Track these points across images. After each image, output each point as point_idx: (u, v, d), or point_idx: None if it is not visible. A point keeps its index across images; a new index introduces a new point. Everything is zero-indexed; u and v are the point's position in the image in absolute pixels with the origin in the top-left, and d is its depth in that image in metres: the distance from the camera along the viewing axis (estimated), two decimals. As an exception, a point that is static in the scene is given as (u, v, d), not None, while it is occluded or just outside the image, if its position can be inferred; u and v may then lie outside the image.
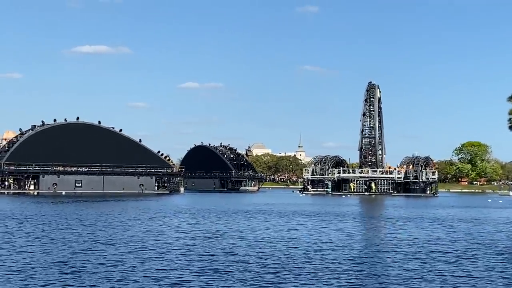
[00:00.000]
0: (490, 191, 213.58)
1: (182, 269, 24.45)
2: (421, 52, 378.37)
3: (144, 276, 22.67)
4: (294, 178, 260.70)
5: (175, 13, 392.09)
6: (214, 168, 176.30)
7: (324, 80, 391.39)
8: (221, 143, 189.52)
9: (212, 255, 28.47)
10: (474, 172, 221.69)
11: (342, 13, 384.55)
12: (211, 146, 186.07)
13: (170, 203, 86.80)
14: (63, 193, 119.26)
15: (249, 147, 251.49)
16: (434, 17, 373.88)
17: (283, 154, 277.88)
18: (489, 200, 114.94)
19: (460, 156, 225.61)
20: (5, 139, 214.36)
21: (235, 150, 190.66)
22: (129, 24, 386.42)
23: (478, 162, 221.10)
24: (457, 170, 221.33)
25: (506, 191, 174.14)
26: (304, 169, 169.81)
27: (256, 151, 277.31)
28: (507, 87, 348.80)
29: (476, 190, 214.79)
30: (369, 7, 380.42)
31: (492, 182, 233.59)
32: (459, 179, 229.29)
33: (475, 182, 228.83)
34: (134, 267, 24.78)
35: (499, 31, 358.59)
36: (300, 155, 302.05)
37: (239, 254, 28.98)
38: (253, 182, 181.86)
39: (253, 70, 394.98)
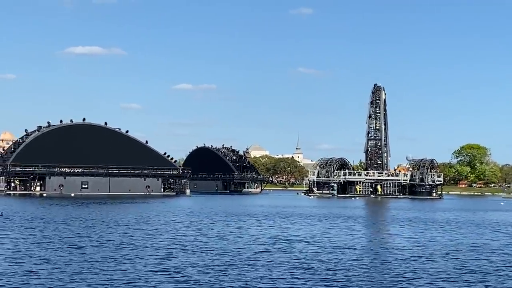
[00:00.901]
0: (489, 193, 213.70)
1: (301, 280, 23.58)
2: (417, 54, 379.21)
3: None
4: (292, 180, 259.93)
5: (169, 15, 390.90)
6: (216, 170, 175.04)
7: (318, 82, 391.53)
8: (223, 145, 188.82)
9: (307, 263, 27.46)
10: (473, 175, 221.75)
11: (336, 15, 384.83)
12: (213, 148, 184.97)
13: (187, 205, 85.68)
14: (72, 194, 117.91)
15: (247, 148, 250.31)
16: (429, 18, 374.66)
17: (280, 156, 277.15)
18: (502, 203, 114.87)
19: (459, 158, 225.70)
20: (2, 140, 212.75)
21: (237, 151, 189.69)
22: (123, 25, 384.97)
23: (477, 164, 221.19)
24: (456, 173, 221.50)
25: (508, 194, 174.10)
26: (309, 171, 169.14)
27: (254, 153, 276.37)
28: (506, 90, 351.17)
29: (475, 193, 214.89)
30: (363, 9, 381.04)
31: (490, 185, 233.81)
32: (458, 182, 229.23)
33: (474, 185, 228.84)
34: (242, 275, 23.82)
35: (500, 34, 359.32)
36: (298, 157, 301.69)
37: (337, 262, 28.00)
38: (256, 184, 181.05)
39: (247, 72, 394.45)
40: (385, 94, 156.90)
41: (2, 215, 52.82)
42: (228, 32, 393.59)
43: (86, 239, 36.32)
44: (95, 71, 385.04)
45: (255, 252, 30.83)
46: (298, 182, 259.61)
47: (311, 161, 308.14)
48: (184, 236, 38.94)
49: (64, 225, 45.11)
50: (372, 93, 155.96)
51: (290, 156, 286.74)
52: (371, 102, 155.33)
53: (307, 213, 70.22)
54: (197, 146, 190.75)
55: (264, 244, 34.75)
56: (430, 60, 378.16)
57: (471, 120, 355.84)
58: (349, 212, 72.90)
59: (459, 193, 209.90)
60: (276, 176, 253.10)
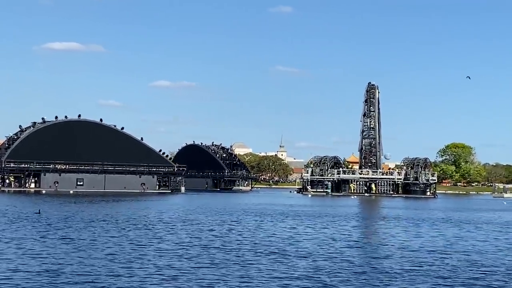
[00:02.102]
0: (474, 192, 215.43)
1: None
2: (398, 52, 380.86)
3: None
4: (276, 178, 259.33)
5: (147, 12, 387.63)
6: (206, 168, 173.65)
7: (298, 81, 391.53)
8: (212, 142, 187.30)
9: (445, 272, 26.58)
10: (458, 174, 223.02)
11: (315, 13, 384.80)
12: (203, 145, 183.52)
13: (197, 203, 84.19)
14: (71, 191, 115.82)
15: (230, 146, 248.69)
16: (410, 18, 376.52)
17: (263, 154, 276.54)
18: (505, 203, 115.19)
19: (444, 157, 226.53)
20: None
21: (227, 149, 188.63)
22: (101, 22, 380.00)
23: (462, 163, 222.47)
24: (441, 172, 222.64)
25: (499, 193, 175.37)
26: (303, 169, 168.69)
27: (238, 151, 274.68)
28: (491, 90, 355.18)
29: (461, 192, 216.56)
30: (342, 7, 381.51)
31: (472, 184, 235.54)
32: (442, 181, 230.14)
33: (458, 184, 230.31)
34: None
35: (489, 37, 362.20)
36: (282, 155, 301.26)
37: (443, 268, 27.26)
38: (246, 182, 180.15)
39: (226, 70, 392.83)
40: (378, 92, 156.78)
41: (39, 212, 51.40)
42: (206, 29, 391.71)
43: (159, 240, 35.12)
44: (73, 67, 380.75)
45: (368, 258, 29.56)
46: (282, 180, 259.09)
47: (294, 159, 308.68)
48: (257, 237, 37.76)
49: (113, 225, 43.68)
50: (366, 91, 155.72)
51: (273, 154, 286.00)
52: (365, 101, 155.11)
53: (331, 212, 69.27)
54: (186, 144, 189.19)
55: (353, 247, 33.78)
56: (412, 59, 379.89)
57: (454, 119, 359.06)
58: (374, 212, 72.11)
59: (444, 192, 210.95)
60: (260, 174, 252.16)
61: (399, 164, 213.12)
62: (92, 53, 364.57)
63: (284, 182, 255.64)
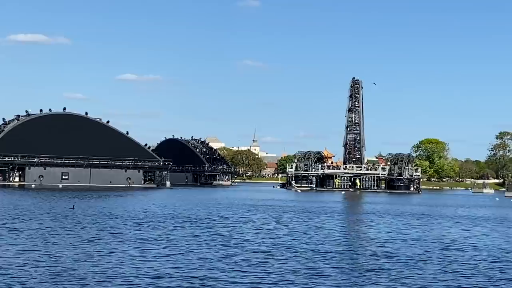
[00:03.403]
0: (448, 188, 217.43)
1: None
2: (370, 48, 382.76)
3: None
4: (250, 172, 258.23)
5: (113, 3, 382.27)
6: (186, 162, 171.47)
7: (265, 75, 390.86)
8: (192, 137, 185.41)
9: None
10: (432, 169, 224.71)
11: (283, 7, 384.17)
12: (183, 140, 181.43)
13: (202, 198, 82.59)
14: (60, 186, 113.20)
15: (204, 140, 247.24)
16: (370, 10, 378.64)
17: (236, 148, 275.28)
18: (497, 199, 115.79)
19: (418, 153, 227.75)
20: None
21: (208, 143, 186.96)
22: (67, 14, 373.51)
23: (436, 159, 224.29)
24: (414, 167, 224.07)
25: (478, 188, 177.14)
26: (288, 164, 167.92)
27: (211, 145, 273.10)
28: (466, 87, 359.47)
29: (434, 187, 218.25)
30: (311, 1, 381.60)
31: (444, 179, 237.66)
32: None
33: (432, 179, 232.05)
34: None
35: (466, 35, 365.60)
36: (255, 149, 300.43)
37: None
38: (227, 177, 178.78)
39: (193, 64, 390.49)
40: (362, 88, 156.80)
41: (74, 208, 49.58)
42: (173, 22, 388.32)
43: (240, 240, 33.83)
44: (38, 59, 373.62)
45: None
46: (256, 175, 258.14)
47: (266, 153, 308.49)
48: (336, 236, 36.66)
49: (158, 222, 42.26)
50: (351, 86, 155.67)
51: (245, 148, 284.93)
52: (350, 96, 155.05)
53: (353, 209, 68.54)
54: (165, 138, 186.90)
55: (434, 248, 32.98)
56: (385, 54, 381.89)
57: (428, 115, 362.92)
58: (403, 209, 71.00)
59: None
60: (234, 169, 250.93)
61: (370, 159, 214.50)
62: (58, 45, 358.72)
63: (258, 176, 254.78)
